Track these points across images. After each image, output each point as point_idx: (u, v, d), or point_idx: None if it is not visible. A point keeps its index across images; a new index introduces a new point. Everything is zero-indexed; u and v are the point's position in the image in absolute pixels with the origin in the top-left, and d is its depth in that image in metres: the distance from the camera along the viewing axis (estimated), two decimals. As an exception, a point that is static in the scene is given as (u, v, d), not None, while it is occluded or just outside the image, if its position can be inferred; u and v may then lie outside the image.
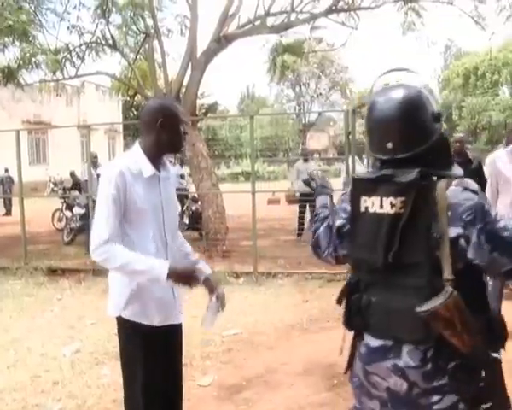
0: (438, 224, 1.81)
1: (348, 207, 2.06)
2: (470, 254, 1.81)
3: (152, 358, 2.77)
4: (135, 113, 31.71)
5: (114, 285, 2.82)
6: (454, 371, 1.85)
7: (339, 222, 2.12)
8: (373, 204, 1.93)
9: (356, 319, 2.06)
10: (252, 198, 8.38)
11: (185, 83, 11.24)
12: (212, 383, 4.62)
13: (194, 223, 11.39)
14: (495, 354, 1.89)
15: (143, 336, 2.76)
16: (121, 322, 2.80)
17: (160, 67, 12.28)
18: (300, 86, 57.98)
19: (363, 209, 1.96)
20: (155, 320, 2.78)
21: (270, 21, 12.40)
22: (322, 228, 2.26)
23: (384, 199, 1.89)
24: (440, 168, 1.93)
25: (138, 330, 2.75)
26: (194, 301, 6.83)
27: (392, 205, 1.87)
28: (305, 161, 11.65)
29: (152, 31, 11.66)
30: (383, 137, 1.95)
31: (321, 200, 2.49)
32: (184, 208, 12.14)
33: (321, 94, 57.26)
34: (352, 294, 2.07)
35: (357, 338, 2.09)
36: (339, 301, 2.13)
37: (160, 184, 2.83)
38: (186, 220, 12.13)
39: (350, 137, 7.84)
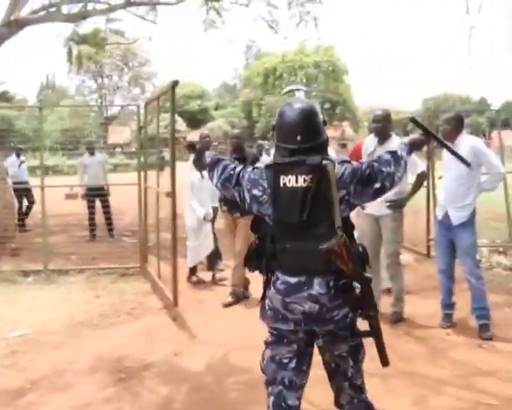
0: (331, 191, 2.66)
1: (264, 184, 2.82)
2: (352, 200, 2.76)
3: None
4: None
5: None
6: (344, 292, 2.69)
7: (256, 192, 2.85)
8: (289, 181, 2.74)
9: (272, 263, 2.83)
10: (41, 193, 8.03)
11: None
12: (-8, 389, 4.36)
13: (-19, 220, 10.58)
14: (367, 274, 2.72)
15: None
16: None
17: None
18: (103, 78, 56.70)
19: (281, 185, 2.75)
20: None
21: (65, 9, 11.97)
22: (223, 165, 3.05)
23: (299, 176, 2.71)
24: (325, 155, 2.80)
25: None
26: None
27: (305, 180, 2.70)
28: (91, 154, 11.30)
29: None
30: (294, 132, 2.78)
31: (208, 153, 3.26)
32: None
33: (121, 87, 56.52)
34: (263, 246, 2.87)
35: (271, 279, 2.85)
36: (248, 255, 2.94)
37: None
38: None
39: (142, 131, 7.87)
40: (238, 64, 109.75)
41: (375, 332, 2.81)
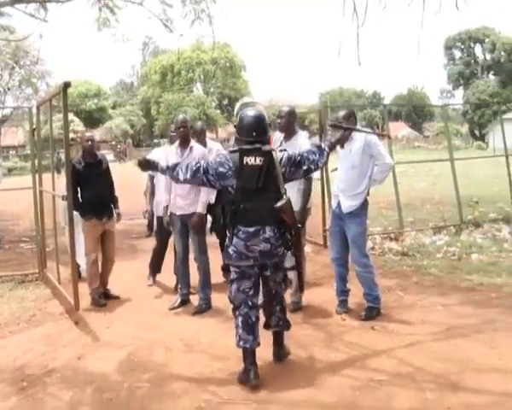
0: (276, 168, 4.18)
1: (229, 163, 4.20)
2: (287, 176, 4.28)
3: None
4: None
5: None
6: (282, 236, 4.26)
7: (222, 169, 4.21)
8: (250, 160, 4.17)
9: (234, 219, 4.20)
10: None
11: None
12: None
13: None
14: (298, 225, 4.37)
15: None
16: None
17: None
18: (-8, 77, 54.05)
19: (245, 163, 4.17)
20: None
21: None
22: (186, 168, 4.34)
23: (256, 158, 4.17)
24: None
25: None
26: None
27: (260, 160, 4.17)
28: None
29: None
30: (251, 129, 4.26)
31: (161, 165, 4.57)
32: None
33: (13, 86, 54.04)
34: (225, 208, 4.28)
35: (234, 231, 4.21)
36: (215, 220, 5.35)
37: None
38: None
39: (35, 133, 7.66)
40: (135, 62, 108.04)
41: (299, 266, 4.56)
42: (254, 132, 4.24)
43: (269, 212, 4.15)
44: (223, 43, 59.12)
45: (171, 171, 4.44)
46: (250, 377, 4.17)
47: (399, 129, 70.53)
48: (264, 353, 4.46)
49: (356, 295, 5.86)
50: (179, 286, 6.35)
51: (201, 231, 6.02)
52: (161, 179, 6.40)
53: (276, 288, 4.46)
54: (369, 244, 8.75)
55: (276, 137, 5.96)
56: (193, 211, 5.89)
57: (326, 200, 8.64)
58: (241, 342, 4.27)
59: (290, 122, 5.82)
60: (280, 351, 4.57)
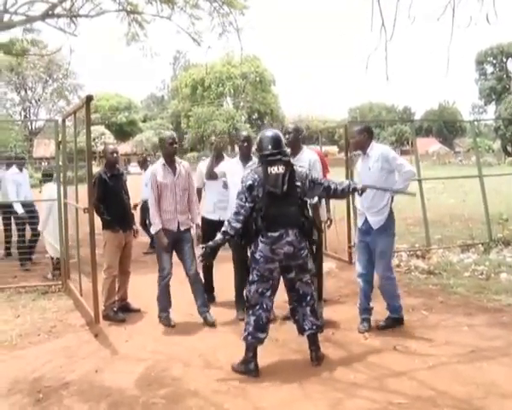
0: (296, 178, 4.72)
1: (255, 176, 4.69)
2: (305, 189, 4.77)
3: None
4: None
5: None
6: (304, 239, 4.72)
7: (250, 182, 4.67)
8: (274, 169, 4.66)
9: (262, 225, 4.61)
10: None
11: None
12: None
13: None
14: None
15: None
16: None
17: None
18: (26, 90, 55.15)
19: (269, 172, 4.65)
20: None
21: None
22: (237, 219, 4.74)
23: (279, 167, 4.67)
24: None
25: None
26: None
27: (282, 168, 4.67)
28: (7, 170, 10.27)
29: None
30: (268, 144, 4.78)
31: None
32: None
33: (46, 99, 55.10)
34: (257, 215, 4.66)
35: (259, 238, 4.62)
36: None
37: None
38: None
39: (60, 145, 7.73)
40: (166, 76, 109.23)
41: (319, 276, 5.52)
42: (270, 146, 4.78)
43: (292, 216, 4.68)
44: (252, 56, 59.46)
45: (228, 233, 4.74)
46: (250, 368, 4.64)
47: (430, 144, 69.91)
48: (283, 372, 4.37)
49: (379, 314, 5.74)
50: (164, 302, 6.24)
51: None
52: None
53: (303, 288, 4.81)
54: (395, 261, 8.62)
55: None
56: (191, 224, 6.16)
57: (352, 215, 8.55)
58: (249, 338, 4.69)
59: (296, 138, 6.02)
60: (318, 353, 4.84)
